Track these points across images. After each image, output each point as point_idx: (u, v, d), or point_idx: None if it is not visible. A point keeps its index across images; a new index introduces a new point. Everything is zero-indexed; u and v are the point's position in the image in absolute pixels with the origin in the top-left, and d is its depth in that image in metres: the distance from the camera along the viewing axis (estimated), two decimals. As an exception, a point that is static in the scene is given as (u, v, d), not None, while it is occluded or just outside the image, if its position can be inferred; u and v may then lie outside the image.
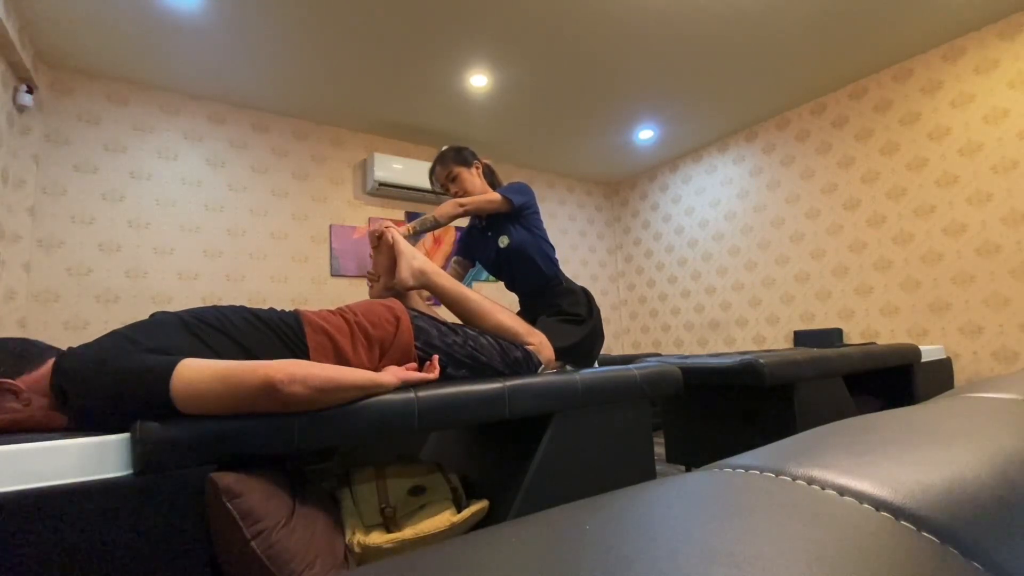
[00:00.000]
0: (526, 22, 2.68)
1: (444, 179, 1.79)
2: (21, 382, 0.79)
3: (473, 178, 1.79)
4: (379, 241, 1.40)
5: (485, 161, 1.86)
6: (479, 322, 1.32)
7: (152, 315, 0.94)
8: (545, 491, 1.14)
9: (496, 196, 1.70)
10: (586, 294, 1.77)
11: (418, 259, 1.36)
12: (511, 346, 1.28)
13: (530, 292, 1.82)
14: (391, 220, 1.48)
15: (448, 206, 1.62)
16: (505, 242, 1.76)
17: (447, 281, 1.36)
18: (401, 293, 1.41)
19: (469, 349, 1.19)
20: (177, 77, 3.01)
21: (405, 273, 1.32)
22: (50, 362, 0.82)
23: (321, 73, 3.05)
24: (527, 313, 1.82)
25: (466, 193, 1.77)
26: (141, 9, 2.43)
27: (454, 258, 1.95)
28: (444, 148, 1.83)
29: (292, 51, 2.83)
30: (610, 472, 1.28)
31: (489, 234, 1.83)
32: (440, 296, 1.35)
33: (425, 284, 1.35)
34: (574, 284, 1.80)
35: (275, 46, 2.78)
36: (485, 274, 4.29)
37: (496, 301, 1.38)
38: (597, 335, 1.73)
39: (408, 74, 3.11)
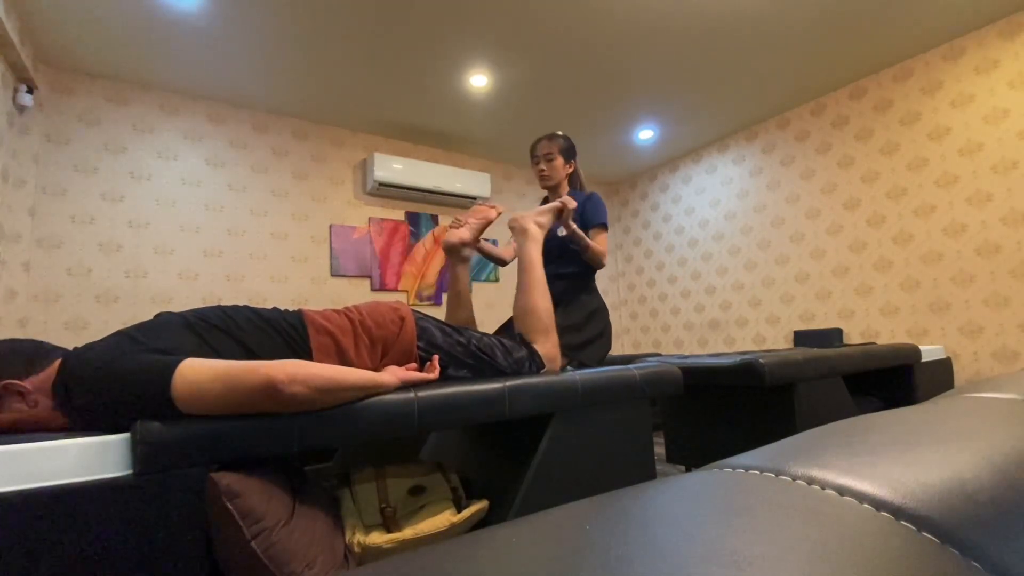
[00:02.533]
0: (526, 22, 2.68)
1: (543, 152, 1.90)
2: (29, 383, 0.80)
3: (562, 171, 1.92)
4: (489, 215, 1.61)
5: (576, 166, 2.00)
6: (526, 295, 1.42)
7: (157, 315, 0.95)
8: (545, 491, 1.14)
9: (605, 250, 1.83)
10: (603, 306, 1.88)
11: (535, 227, 1.54)
12: (516, 346, 1.29)
13: (561, 276, 1.90)
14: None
15: (602, 249, 1.80)
16: (563, 232, 1.85)
17: (533, 253, 1.50)
18: (463, 248, 1.57)
19: (472, 349, 1.20)
20: (177, 77, 3.01)
21: (520, 218, 1.55)
22: (56, 363, 0.82)
23: (321, 73, 3.06)
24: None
25: (549, 177, 1.91)
26: (141, 9, 2.43)
27: None
28: (560, 133, 1.94)
29: (292, 51, 2.83)
30: (610, 472, 1.28)
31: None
32: (520, 257, 1.52)
33: (519, 241, 1.53)
34: (599, 294, 1.91)
35: (275, 46, 2.78)
36: (485, 274, 4.29)
37: (547, 290, 1.48)
38: (604, 343, 1.82)
39: (408, 74, 3.11)
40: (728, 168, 4.28)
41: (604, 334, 1.83)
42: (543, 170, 1.90)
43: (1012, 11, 2.78)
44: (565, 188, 1.96)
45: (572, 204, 1.61)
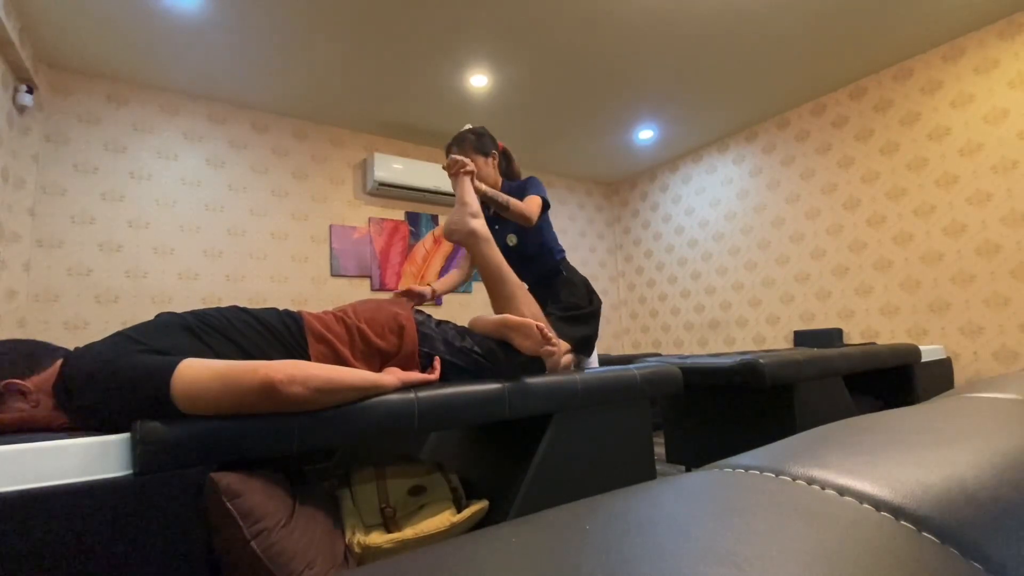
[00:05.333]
0: (526, 22, 2.68)
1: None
2: (31, 383, 0.80)
3: (488, 168, 1.71)
4: (455, 171, 1.37)
5: (503, 147, 1.78)
6: (505, 308, 1.28)
7: (157, 316, 0.95)
8: (545, 491, 1.14)
9: (537, 207, 1.61)
10: (586, 286, 1.77)
11: (477, 220, 1.30)
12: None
13: (532, 283, 1.79)
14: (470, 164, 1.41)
15: (532, 206, 1.58)
16: (514, 241, 1.73)
17: (494, 255, 1.29)
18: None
19: (475, 357, 1.17)
20: (177, 77, 3.01)
21: (454, 225, 1.29)
22: (58, 363, 0.83)
23: (321, 73, 3.06)
24: None
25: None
26: (141, 9, 2.43)
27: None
28: (466, 129, 1.72)
29: (292, 51, 2.83)
30: (610, 472, 1.28)
31: (496, 227, 1.77)
32: (480, 267, 1.30)
33: (470, 247, 1.30)
34: (575, 274, 1.79)
35: (275, 46, 2.78)
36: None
37: (528, 293, 1.34)
38: (596, 328, 1.75)
39: (408, 74, 3.11)
40: (728, 168, 4.28)
41: (597, 315, 1.73)
42: None
43: (1012, 11, 2.78)
44: (499, 185, 1.75)
45: (459, 160, 1.40)
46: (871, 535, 0.22)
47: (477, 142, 1.70)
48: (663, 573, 0.19)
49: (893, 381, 2.38)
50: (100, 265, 2.84)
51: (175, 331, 0.89)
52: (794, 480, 0.28)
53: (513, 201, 1.55)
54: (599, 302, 1.76)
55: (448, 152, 1.70)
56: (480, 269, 1.31)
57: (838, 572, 0.19)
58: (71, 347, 0.91)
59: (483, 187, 1.47)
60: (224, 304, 3.17)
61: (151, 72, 2.94)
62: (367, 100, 3.39)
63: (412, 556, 0.24)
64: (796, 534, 0.22)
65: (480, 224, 1.31)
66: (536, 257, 1.76)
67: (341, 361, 1.02)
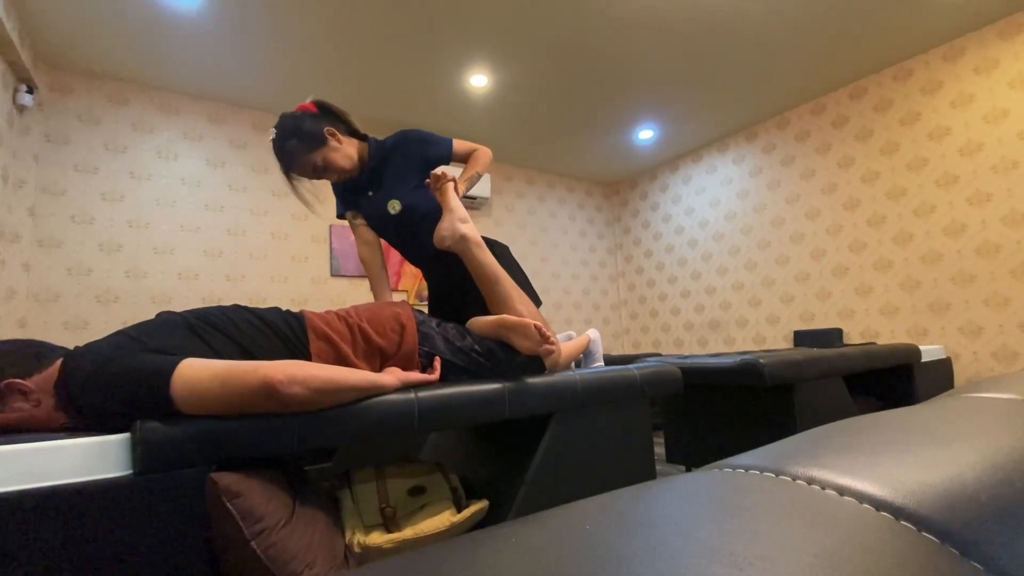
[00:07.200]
0: (526, 22, 2.68)
1: (313, 174, 1.39)
2: (32, 382, 0.80)
3: (342, 148, 1.39)
4: (439, 185, 1.35)
5: (314, 106, 1.38)
6: (499, 309, 1.28)
7: (158, 315, 0.94)
8: (545, 491, 1.14)
9: (481, 153, 1.52)
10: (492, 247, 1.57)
11: (467, 225, 1.31)
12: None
13: (427, 256, 1.53)
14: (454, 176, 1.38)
15: (479, 151, 1.52)
16: (396, 208, 1.44)
17: (487, 257, 1.30)
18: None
19: (474, 357, 1.17)
20: (177, 77, 3.01)
21: (446, 232, 1.29)
22: (58, 363, 0.83)
23: (321, 73, 3.06)
24: (429, 275, 1.61)
25: (344, 171, 1.39)
26: (141, 9, 2.43)
27: (349, 212, 1.60)
28: (274, 139, 1.32)
29: (292, 51, 2.83)
30: (610, 472, 1.28)
31: (370, 194, 1.50)
32: (474, 270, 1.31)
33: (462, 252, 1.30)
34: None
35: (275, 46, 2.78)
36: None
37: (523, 293, 1.33)
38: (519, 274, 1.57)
39: (408, 74, 3.11)
40: (728, 168, 4.28)
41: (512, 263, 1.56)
42: (332, 177, 1.42)
43: (1012, 11, 2.78)
44: (363, 157, 1.46)
45: (441, 173, 1.33)
46: (871, 535, 0.22)
47: (303, 143, 1.32)
48: (663, 573, 0.19)
49: (893, 381, 2.38)
50: (100, 265, 2.84)
51: (176, 330, 0.89)
52: (794, 480, 0.28)
53: (474, 166, 1.49)
54: (503, 247, 1.58)
55: (288, 178, 1.38)
56: (473, 272, 1.32)
57: (838, 572, 0.19)
58: (71, 347, 0.91)
59: (465, 187, 1.43)
60: (224, 304, 3.17)
61: (151, 72, 2.94)
62: (367, 100, 3.39)
63: (412, 556, 0.24)
64: (796, 534, 0.22)
65: (470, 228, 1.31)
66: (428, 216, 1.45)
67: (342, 359, 1.02)
